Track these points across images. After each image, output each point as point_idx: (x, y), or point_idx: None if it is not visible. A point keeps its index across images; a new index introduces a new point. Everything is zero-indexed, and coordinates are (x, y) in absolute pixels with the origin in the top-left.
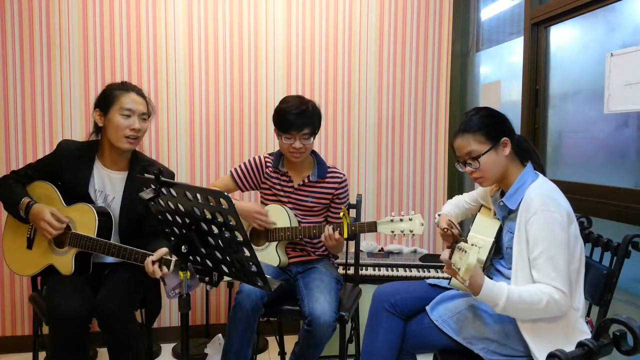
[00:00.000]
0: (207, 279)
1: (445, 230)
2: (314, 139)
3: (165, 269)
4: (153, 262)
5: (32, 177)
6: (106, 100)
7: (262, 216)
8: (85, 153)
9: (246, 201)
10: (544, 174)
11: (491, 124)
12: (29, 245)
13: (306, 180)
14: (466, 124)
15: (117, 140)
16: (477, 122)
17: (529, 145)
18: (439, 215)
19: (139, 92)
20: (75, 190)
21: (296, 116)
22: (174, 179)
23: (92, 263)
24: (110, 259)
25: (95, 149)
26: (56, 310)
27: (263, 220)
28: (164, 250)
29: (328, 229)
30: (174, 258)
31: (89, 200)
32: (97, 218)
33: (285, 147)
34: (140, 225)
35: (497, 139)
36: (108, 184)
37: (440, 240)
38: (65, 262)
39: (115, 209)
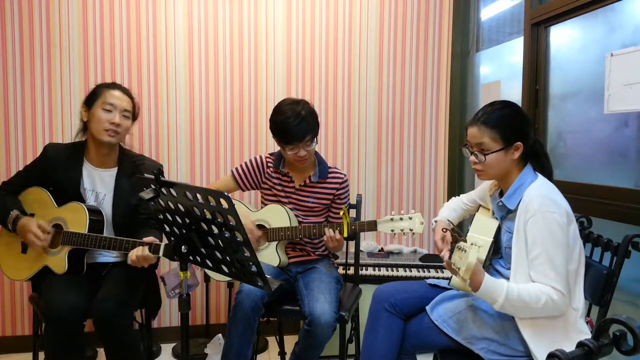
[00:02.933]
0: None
1: (444, 230)
2: (316, 142)
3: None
4: (143, 247)
5: (23, 185)
6: (92, 96)
7: (251, 237)
8: (73, 154)
9: (245, 209)
10: (552, 178)
11: (511, 125)
12: (24, 250)
13: (307, 181)
14: (487, 116)
15: (98, 133)
16: (498, 118)
17: (542, 150)
18: (435, 221)
19: (125, 91)
20: (67, 191)
21: (296, 127)
22: (161, 171)
23: (88, 264)
24: (107, 259)
25: (83, 149)
26: (51, 309)
27: None
28: (151, 237)
29: (329, 231)
30: (163, 243)
31: (80, 199)
32: (87, 215)
33: (291, 157)
34: (133, 220)
35: (511, 142)
36: (99, 182)
37: None
38: (58, 261)
39: (107, 206)
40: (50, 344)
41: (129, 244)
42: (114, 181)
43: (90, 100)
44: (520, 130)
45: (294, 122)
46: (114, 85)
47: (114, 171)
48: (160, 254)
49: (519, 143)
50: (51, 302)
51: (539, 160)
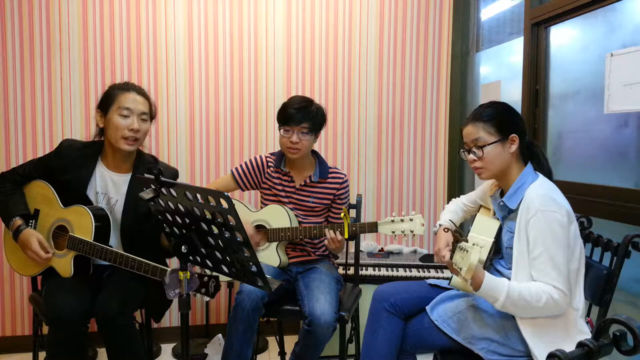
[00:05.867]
0: (203, 290)
1: (446, 230)
2: (312, 137)
3: None
4: None
5: (32, 176)
6: (106, 101)
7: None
8: (88, 153)
9: (245, 210)
10: (551, 177)
11: (504, 119)
12: None
13: (308, 181)
14: (480, 113)
15: (116, 142)
16: (491, 113)
17: (539, 151)
18: (439, 224)
19: (140, 92)
20: (75, 191)
21: (297, 110)
22: (177, 178)
23: (92, 265)
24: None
25: (99, 149)
26: (53, 310)
27: None
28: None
29: (330, 233)
30: (169, 269)
31: (87, 201)
32: (93, 221)
33: (283, 142)
34: (142, 227)
35: (506, 133)
36: (111, 186)
37: None
38: (64, 264)
39: (118, 211)
40: (52, 345)
41: (135, 262)
42: (127, 187)
43: (105, 104)
44: (513, 122)
45: (297, 105)
46: (128, 87)
47: (127, 176)
48: (167, 280)
49: (514, 135)
50: (53, 304)
51: (537, 160)
